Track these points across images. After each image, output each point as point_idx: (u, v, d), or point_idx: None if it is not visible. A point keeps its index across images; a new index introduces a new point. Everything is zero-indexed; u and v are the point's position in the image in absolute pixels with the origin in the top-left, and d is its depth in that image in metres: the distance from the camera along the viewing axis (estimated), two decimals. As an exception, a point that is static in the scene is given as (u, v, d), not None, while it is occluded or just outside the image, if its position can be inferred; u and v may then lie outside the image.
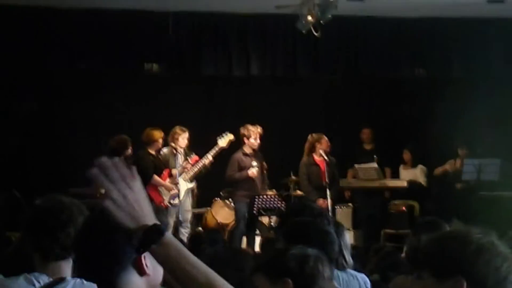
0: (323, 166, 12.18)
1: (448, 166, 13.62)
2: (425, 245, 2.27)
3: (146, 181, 11.59)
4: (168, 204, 11.61)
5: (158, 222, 2.38)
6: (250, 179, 11.90)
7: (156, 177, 11.66)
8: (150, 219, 2.39)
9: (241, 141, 12.07)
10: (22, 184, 12.73)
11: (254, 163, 11.95)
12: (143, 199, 2.44)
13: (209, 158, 11.87)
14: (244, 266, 3.97)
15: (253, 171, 11.90)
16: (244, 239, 12.06)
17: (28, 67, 12.91)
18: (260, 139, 12.04)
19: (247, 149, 12.02)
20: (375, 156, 13.51)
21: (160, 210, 11.19)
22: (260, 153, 12.20)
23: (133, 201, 2.39)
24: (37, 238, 3.69)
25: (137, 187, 2.42)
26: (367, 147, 14.05)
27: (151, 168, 11.63)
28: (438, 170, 13.72)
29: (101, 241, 2.70)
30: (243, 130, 11.98)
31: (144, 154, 11.75)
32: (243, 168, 11.92)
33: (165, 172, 11.78)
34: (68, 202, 3.70)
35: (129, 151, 11.62)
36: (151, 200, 11.59)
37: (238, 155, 11.99)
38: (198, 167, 11.87)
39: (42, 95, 13.84)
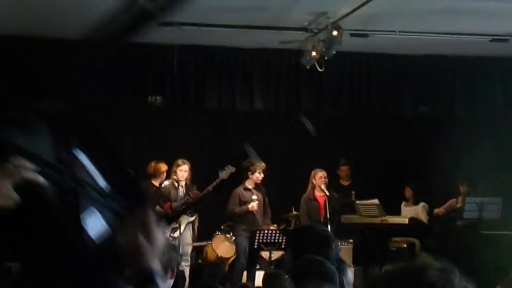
0: (322, 201, 12.19)
1: (439, 210, 13.64)
2: (382, 275, 2.22)
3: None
4: (168, 237, 11.59)
5: (154, 269, 2.31)
6: (250, 213, 11.91)
7: (158, 208, 11.66)
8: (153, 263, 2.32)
9: (244, 175, 12.10)
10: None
11: (254, 197, 11.98)
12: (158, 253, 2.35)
13: (209, 190, 11.89)
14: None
15: (253, 205, 11.92)
16: (244, 273, 12.03)
17: (30, 100, 12.91)
18: (264, 174, 12.12)
19: (248, 184, 12.06)
20: (352, 192, 13.50)
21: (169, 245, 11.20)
22: (262, 187, 12.22)
23: (146, 253, 2.33)
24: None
25: (159, 242, 2.35)
26: (345, 183, 14.04)
27: (154, 200, 11.63)
28: (436, 211, 13.74)
29: (94, 276, 2.69)
30: (248, 164, 12.04)
31: (148, 186, 11.77)
32: (244, 202, 11.94)
33: (167, 205, 11.78)
34: None
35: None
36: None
37: (239, 189, 12.04)
38: (194, 202, 11.90)
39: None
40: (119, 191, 2.28)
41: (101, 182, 2.26)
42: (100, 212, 2.18)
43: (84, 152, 2.21)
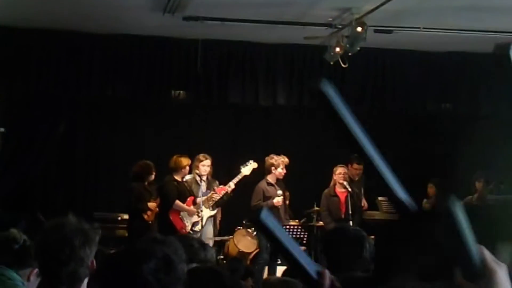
0: (343, 197, 12.14)
1: None
2: None
3: (168, 207, 11.63)
4: (190, 231, 11.62)
5: None
6: (274, 208, 11.89)
7: (178, 202, 11.67)
8: None
9: (267, 170, 12.08)
10: (46, 207, 12.80)
11: (280, 192, 11.98)
12: None
13: (231, 186, 11.90)
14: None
15: (278, 200, 11.92)
16: (266, 268, 12.03)
17: (55, 93, 12.99)
18: (286, 169, 12.09)
19: (271, 179, 12.04)
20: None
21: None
22: (282, 183, 12.21)
23: None
24: (43, 273, 3.70)
25: None
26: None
27: (174, 194, 11.65)
28: None
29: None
30: (270, 160, 12.02)
31: (168, 180, 11.79)
32: (268, 197, 11.93)
33: (189, 199, 11.80)
34: (72, 232, 3.63)
35: (152, 176, 11.67)
36: (173, 226, 11.67)
37: (263, 184, 12.02)
38: (221, 195, 11.91)
39: (69, 121, 13.92)
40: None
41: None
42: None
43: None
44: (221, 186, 12.01)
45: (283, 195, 12.14)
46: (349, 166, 12.80)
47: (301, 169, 13.45)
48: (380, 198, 13.43)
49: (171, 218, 11.68)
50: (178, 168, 11.84)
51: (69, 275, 3.55)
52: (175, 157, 11.93)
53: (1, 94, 12.95)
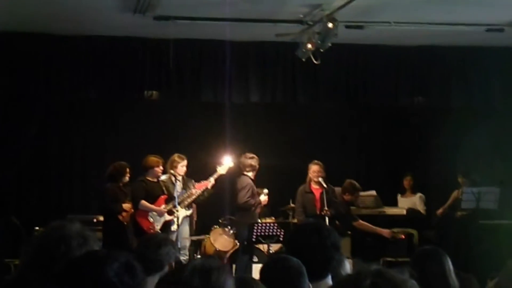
0: (318, 194, 12.14)
1: (447, 204, 13.49)
2: None
3: (135, 207, 11.63)
4: (158, 230, 11.55)
5: None
6: (254, 206, 11.89)
7: (144, 202, 11.64)
8: None
9: (252, 168, 11.98)
10: (20, 210, 12.73)
11: (266, 190, 11.97)
12: None
13: (211, 181, 11.87)
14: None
15: (265, 199, 11.94)
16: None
17: (28, 95, 12.92)
18: (260, 167, 12.10)
19: (252, 176, 12.01)
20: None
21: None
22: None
23: None
24: (34, 269, 3.67)
25: None
26: None
27: (139, 194, 11.64)
28: (438, 212, 13.58)
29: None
30: (250, 161, 11.96)
31: (137, 180, 11.79)
32: (254, 194, 11.91)
33: (161, 199, 11.76)
34: (72, 233, 3.62)
35: (127, 177, 11.62)
36: (139, 225, 11.66)
37: (249, 181, 11.95)
38: (196, 194, 11.86)
39: (41, 123, 13.85)
40: None
41: None
42: None
43: None
44: (203, 181, 11.94)
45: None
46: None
47: (275, 166, 13.47)
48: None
49: (136, 218, 11.67)
50: (147, 168, 11.83)
51: None
52: (146, 157, 11.94)
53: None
